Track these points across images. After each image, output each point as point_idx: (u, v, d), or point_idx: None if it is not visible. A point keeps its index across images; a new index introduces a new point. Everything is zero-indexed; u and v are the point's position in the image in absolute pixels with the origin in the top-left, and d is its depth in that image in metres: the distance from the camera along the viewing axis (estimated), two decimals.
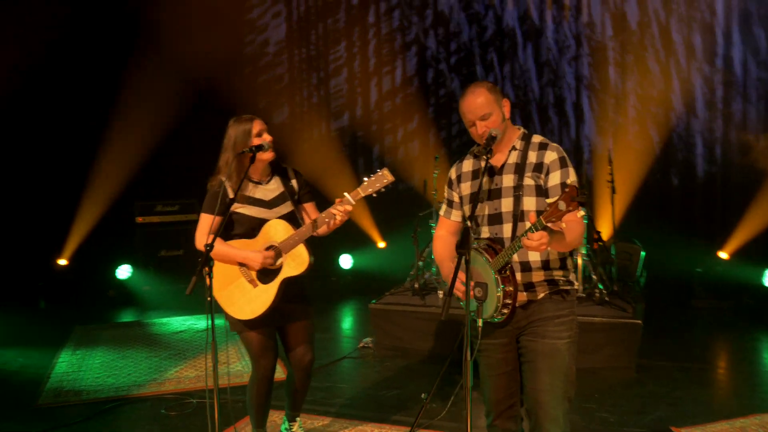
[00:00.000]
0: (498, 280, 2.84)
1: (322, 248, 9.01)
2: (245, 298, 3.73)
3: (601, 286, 6.09)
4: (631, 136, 8.22)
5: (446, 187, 3.28)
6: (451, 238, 3.27)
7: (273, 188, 3.81)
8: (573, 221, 2.92)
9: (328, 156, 9.26)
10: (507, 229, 2.99)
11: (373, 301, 6.47)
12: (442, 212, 3.30)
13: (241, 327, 3.79)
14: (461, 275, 2.98)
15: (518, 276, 2.98)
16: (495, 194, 3.03)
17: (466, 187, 3.15)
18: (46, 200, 8.36)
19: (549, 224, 2.60)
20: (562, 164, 2.99)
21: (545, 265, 3.02)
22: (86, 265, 8.86)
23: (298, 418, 4.20)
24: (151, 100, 7.94)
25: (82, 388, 5.53)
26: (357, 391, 5.30)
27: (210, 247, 3.26)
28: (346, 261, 9.32)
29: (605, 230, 7.59)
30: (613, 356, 5.55)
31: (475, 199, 3.04)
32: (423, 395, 3.38)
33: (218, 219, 3.68)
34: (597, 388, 5.17)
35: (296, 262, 3.66)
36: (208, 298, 3.70)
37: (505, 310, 2.91)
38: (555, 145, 3.06)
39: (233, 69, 8.68)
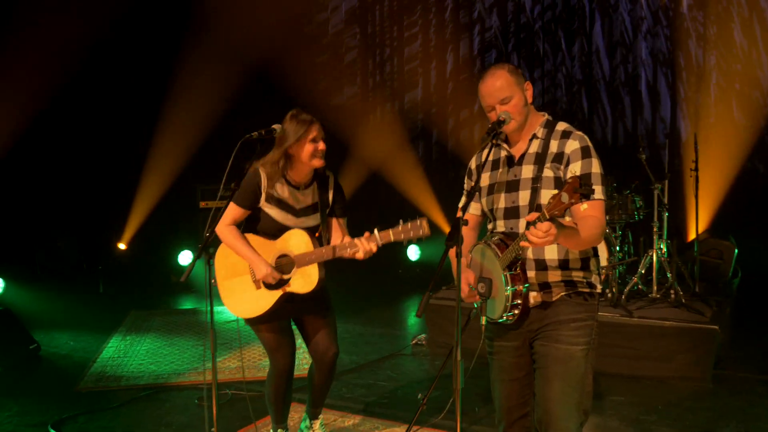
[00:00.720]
0: (507, 278, 2.73)
1: None
2: (244, 296, 3.77)
3: (677, 287, 5.79)
4: (714, 118, 7.71)
5: (466, 178, 3.18)
6: (470, 233, 3.18)
7: (307, 196, 3.79)
8: (589, 217, 2.77)
9: (388, 140, 9.22)
10: (523, 224, 2.83)
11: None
12: (460, 204, 3.21)
13: (254, 320, 3.82)
14: (469, 275, 2.91)
15: (532, 274, 2.86)
16: (513, 186, 2.92)
17: (485, 178, 3.04)
18: (105, 184, 8.76)
19: (553, 216, 2.46)
20: (585, 154, 2.83)
21: (563, 264, 2.87)
22: (146, 250, 9.23)
23: (320, 416, 4.20)
24: (208, 81, 8.14)
25: (123, 374, 5.77)
26: (398, 390, 5.27)
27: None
28: (413, 252, 9.28)
29: (688, 224, 7.18)
30: (686, 365, 5.26)
31: (490, 190, 2.97)
32: (419, 395, 3.30)
33: (243, 211, 3.73)
34: (663, 399, 4.92)
35: (304, 281, 3.67)
36: (213, 281, 3.81)
37: (515, 311, 2.80)
38: (579, 133, 2.89)
39: (292, 49, 8.76)
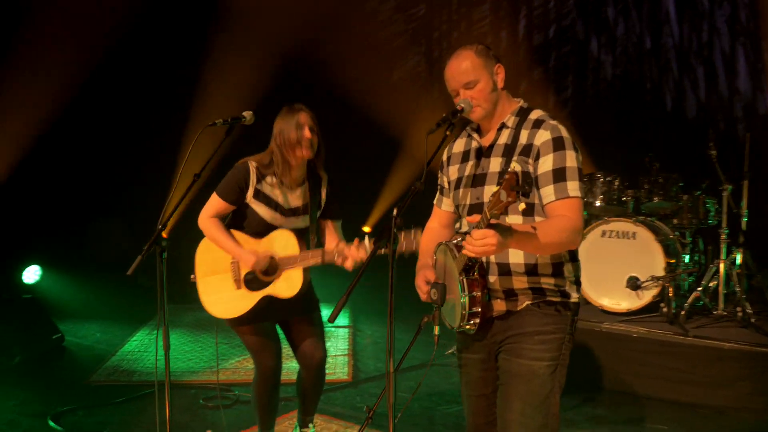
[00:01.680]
0: (463, 284, 2.62)
1: None
2: (223, 296, 3.78)
3: (746, 303, 5.43)
4: None
5: (439, 171, 3.09)
6: (443, 230, 3.07)
7: (298, 195, 3.79)
8: (560, 216, 2.61)
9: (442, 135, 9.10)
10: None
11: None
12: (435, 200, 3.11)
13: (235, 321, 3.84)
14: (428, 274, 2.81)
15: (494, 279, 2.73)
16: (479, 180, 2.80)
17: (453, 171, 2.95)
18: (143, 174, 9.03)
19: (494, 220, 2.33)
20: (557, 146, 2.66)
21: (531, 270, 2.72)
22: (187, 242, 9.46)
23: (311, 424, 4.18)
24: (240, 73, 8.27)
25: (137, 369, 5.94)
26: (415, 402, 5.19)
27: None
28: None
29: None
30: (747, 394, 4.92)
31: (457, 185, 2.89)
32: (365, 408, 3.23)
33: (227, 206, 3.74)
34: (716, 430, 4.65)
35: (288, 284, 3.65)
36: (192, 277, 3.86)
37: (475, 320, 2.67)
38: (553, 123, 2.73)
39: (327, 34, 8.78)
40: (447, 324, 2.83)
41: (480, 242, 2.34)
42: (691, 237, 6.00)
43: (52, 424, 4.72)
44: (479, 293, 2.64)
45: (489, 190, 2.74)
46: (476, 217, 2.40)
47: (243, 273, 3.77)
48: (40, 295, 7.67)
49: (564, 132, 2.70)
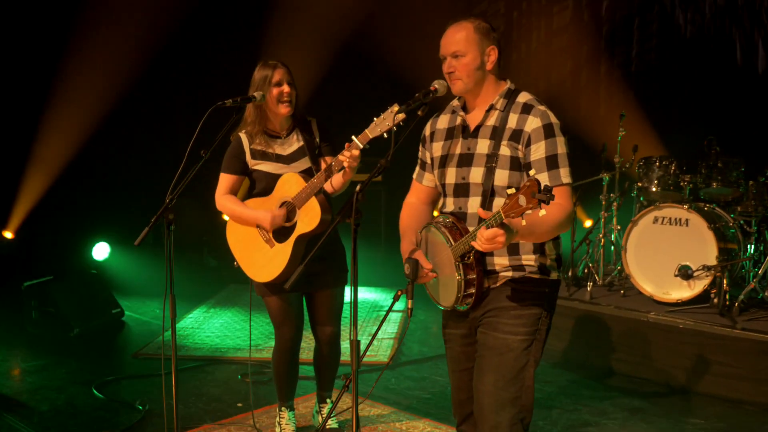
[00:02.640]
0: (460, 268, 2.77)
1: None
2: (264, 260, 4.00)
3: None
4: None
5: (420, 145, 3.22)
6: (423, 207, 3.20)
7: (292, 142, 4.03)
8: (553, 204, 2.72)
9: None
10: (473, 204, 2.88)
11: None
12: (414, 175, 3.24)
13: (264, 291, 4.09)
14: (421, 258, 2.91)
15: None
16: (465, 160, 2.92)
17: (438, 148, 3.06)
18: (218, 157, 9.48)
19: (507, 221, 2.46)
20: (548, 133, 2.79)
21: (512, 249, 2.86)
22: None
23: (329, 399, 4.41)
24: (295, 52, 8.53)
25: (186, 344, 6.33)
26: (449, 387, 5.32)
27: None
28: None
29: None
30: None
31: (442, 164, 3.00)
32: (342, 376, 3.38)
33: (236, 178, 4.03)
34: (759, 428, 4.60)
35: (309, 217, 3.83)
36: (234, 264, 4.12)
37: (469, 300, 2.84)
38: (542, 108, 2.85)
39: (381, 17, 8.90)
40: (436, 301, 2.99)
41: (490, 241, 2.49)
42: (756, 226, 5.86)
43: (95, 392, 5.13)
44: (475, 275, 2.79)
45: (476, 171, 2.87)
46: (488, 213, 2.52)
47: (270, 233, 4.00)
48: (107, 272, 8.25)
49: (553, 118, 2.83)
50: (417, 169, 3.21)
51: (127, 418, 4.71)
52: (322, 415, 4.41)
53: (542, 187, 2.34)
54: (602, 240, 6.23)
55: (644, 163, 6.01)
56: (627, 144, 6.36)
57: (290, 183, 3.91)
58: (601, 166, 6.35)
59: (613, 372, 5.52)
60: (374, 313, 7.48)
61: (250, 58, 8.80)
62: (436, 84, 2.91)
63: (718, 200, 5.89)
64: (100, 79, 7.99)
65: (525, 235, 2.63)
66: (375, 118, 3.44)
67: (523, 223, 2.45)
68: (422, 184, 3.18)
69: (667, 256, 5.64)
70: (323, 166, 4.04)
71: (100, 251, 8.70)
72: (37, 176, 8.09)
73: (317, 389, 4.42)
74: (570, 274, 6.22)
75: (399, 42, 8.63)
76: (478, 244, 2.54)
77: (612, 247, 6.53)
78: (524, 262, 2.87)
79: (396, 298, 2.93)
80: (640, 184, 6.03)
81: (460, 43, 2.85)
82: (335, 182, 3.85)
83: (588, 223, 6.78)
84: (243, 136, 4.01)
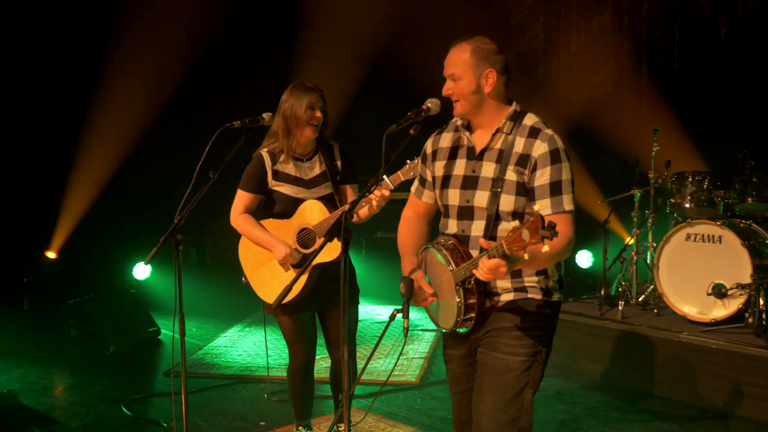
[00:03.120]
0: (460, 291, 2.80)
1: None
2: (275, 282, 4.08)
3: None
4: None
5: (420, 161, 3.25)
6: (420, 222, 3.23)
7: (314, 166, 4.11)
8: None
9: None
10: (477, 227, 2.90)
11: None
12: (413, 189, 3.27)
13: (275, 311, 4.19)
14: (421, 281, 2.94)
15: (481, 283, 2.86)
16: (470, 183, 2.94)
17: (440, 167, 3.06)
18: None
19: (511, 252, 2.50)
20: (554, 159, 2.80)
21: (515, 272, 2.88)
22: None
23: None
24: (328, 68, 8.65)
25: (217, 362, 6.47)
26: None
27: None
28: (585, 259, 9.03)
29: None
30: None
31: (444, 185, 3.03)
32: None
33: (253, 196, 4.13)
34: None
35: (330, 249, 3.89)
36: (243, 279, 4.22)
37: (469, 323, 2.88)
38: (549, 132, 2.85)
39: (413, 36, 8.96)
40: (435, 323, 3.04)
41: (492, 272, 2.53)
42: None
43: (123, 409, 5.29)
44: (475, 300, 2.83)
45: (481, 195, 2.88)
46: (490, 244, 2.56)
47: (280, 262, 4.08)
48: (147, 291, 8.46)
49: (559, 142, 2.84)
50: (416, 184, 3.24)
51: None
52: None
53: (546, 224, 2.36)
54: (635, 258, 6.16)
55: (677, 178, 5.94)
56: (663, 158, 6.30)
57: (313, 211, 3.99)
58: (634, 181, 6.30)
59: (646, 394, 5.46)
60: (410, 333, 7.48)
61: (282, 75, 9.04)
62: (429, 103, 2.96)
63: (754, 216, 5.79)
64: (138, 97, 8.24)
65: (526, 264, 2.64)
66: (408, 161, 3.53)
67: (526, 257, 2.49)
68: (421, 200, 3.20)
69: (700, 274, 5.56)
70: (347, 192, 4.13)
71: (141, 271, 8.94)
72: (78, 196, 8.38)
73: (334, 408, 4.48)
74: (603, 293, 6.17)
75: (431, 60, 8.69)
76: (480, 273, 2.57)
77: (646, 265, 6.46)
78: (526, 284, 2.90)
79: (392, 318, 2.98)
80: (673, 200, 5.96)
81: (457, 66, 2.87)
82: (361, 213, 3.93)
83: (629, 240, 6.70)
84: (265, 154, 4.08)
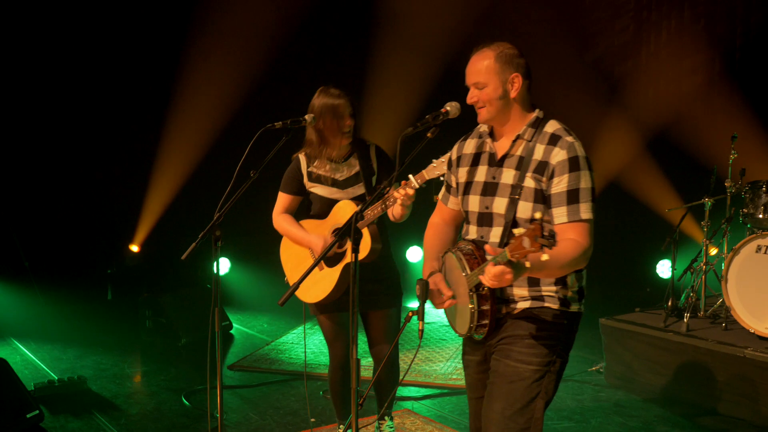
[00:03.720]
0: (474, 297, 2.87)
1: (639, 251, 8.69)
2: (311, 280, 4.25)
3: None
4: None
5: (446, 168, 3.34)
6: (447, 228, 3.28)
7: (349, 167, 4.25)
8: (570, 240, 2.80)
9: (623, 146, 9.01)
10: (496, 234, 2.96)
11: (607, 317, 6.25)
12: (440, 195, 3.36)
13: (315, 310, 4.36)
14: (440, 283, 3.01)
15: (498, 290, 2.92)
16: (490, 189, 2.98)
17: (463, 173, 3.11)
18: None
19: (516, 260, 2.54)
20: (573, 167, 2.83)
21: (533, 281, 2.93)
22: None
23: (387, 418, 4.58)
24: (399, 70, 8.75)
25: (281, 358, 6.71)
26: None
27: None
28: (666, 269, 8.83)
29: None
30: None
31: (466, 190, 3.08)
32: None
33: (292, 198, 4.33)
34: None
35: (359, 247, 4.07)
36: (285, 280, 4.41)
37: (483, 330, 2.94)
38: (569, 139, 2.87)
39: (486, 33, 8.92)
40: (453, 327, 3.11)
41: (497, 278, 2.58)
42: None
43: (183, 399, 5.57)
44: (489, 306, 2.88)
45: (500, 201, 2.94)
46: (497, 250, 2.62)
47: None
48: (225, 286, 8.81)
49: (580, 150, 2.86)
50: (443, 190, 3.31)
51: (203, 426, 5.08)
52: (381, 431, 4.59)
53: (547, 232, 2.42)
54: (704, 268, 6.02)
55: (751, 187, 5.77)
56: (741, 167, 6.13)
57: (345, 210, 4.14)
58: (710, 190, 6.15)
59: (708, 410, 5.33)
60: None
61: (355, 75, 9.22)
62: (448, 106, 3.04)
63: None
64: (219, 92, 8.56)
65: (536, 271, 2.69)
66: (434, 160, 3.63)
67: (527, 264, 2.53)
68: (447, 206, 3.26)
69: None
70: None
71: (221, 266, 9.30)
72: (161, 191, 8.78)
73: (377, 408, 4.61)
74: (669, 304, 6.05)
75: None
76: (486, 280, 2.62)
77: (717, 278, 6.28)
78: (544, 293, 2.93)
79: (407, 320, 3.08)
80: (746, 210, 5.79)
81: (481, 74, 2.91)
82: (395, 213, 4.03)
83: (713, 252, 6.55)
84: (302, 157, 4.28)
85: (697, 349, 5.47)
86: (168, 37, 8.61)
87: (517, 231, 2.51)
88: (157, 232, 8.94)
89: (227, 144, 8.98)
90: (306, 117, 4.02)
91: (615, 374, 6.03)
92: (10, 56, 8.14)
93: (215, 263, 3.83)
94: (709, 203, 6.00)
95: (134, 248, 8.98)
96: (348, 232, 2.88)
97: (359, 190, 4.22)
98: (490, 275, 2.58)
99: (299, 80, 8.96)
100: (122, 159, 8.83)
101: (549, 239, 2.42)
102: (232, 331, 7.72)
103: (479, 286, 2.83)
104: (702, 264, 6.01)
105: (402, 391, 5.78)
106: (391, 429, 4.58)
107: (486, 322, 2.89)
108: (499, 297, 2.95)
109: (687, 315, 5.74)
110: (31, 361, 6.64)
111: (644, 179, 9.03)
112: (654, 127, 8.85)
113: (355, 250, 2.87)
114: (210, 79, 8.54)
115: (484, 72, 2.91)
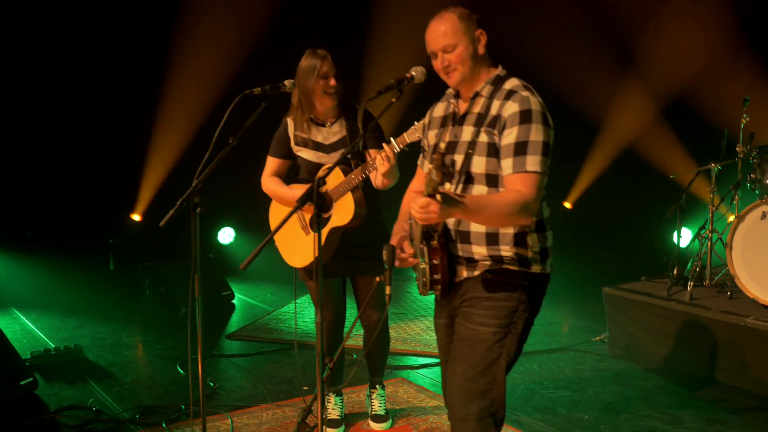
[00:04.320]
0: (424, 252, 2.93)
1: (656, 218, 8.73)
2: (298, 245, 4.34)
3: None
4: None
5: (422, 133, 3.39)
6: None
7: (335, 131, 4.30)
8: (513, 191, 2.82)
9: (640, 113, 8.97)
10: (456, 191, 3.00)
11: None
12: (418, 161, 3.43)
13: (304, 275, 4.44)
14: (405, 244, 3.08)
15: (457, 247, 3.00)
16: (451, 148, 3.04)
17: (432, 136, 3.19)
18: None
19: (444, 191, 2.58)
20: (524, 118, 2.85)
21: (491, 239, 2.97)
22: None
23: (378, 386, 4.66)
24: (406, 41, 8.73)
25: (280, 328, 6.83)
26: (524, 383, 5.41)
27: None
28: (684, 237, 8.78)
29: None
30: None
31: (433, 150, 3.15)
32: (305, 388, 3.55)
33: (280, 161, 4.40)
34: None
35: (343, 212, 4.12)
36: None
37: (437, 286, 2.99)
38: (525, 93, 2.90)
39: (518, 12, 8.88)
40: (389, 286, 3.16)
41: (424, 210, 2.58)
42: None
43: (178, 368, 5.71)
44: (439, 261, 2.94)
45: (458, 158, 2.99)
46: (419, 187, 2.69)
47: (307, 218, 4.32)
48: (230, 255, 8.95)
49: (534, 104, 2.88)
50: (420, 156, 3.38)
51: (195, 394, 5.20)
52: (371, 398, 4.68)
53: (446, 162, 2.46)
54: (710, 236, 6.03)
55: (759, 152, 5.75)
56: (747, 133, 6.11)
57: (330, 175, 4.19)
58: (720, 155, 6.15)
59: (708, 380, 5.38)
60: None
61: (354, 54, 9.24)
62: (413, 71, 3.08)
63: None
64: (213, 59, 8.65)
65: (470, 213, 2.69)
66: (415, 122, 3.67)
67: (457, 199, 2.57)
68: (423, 170, 3.33)
69: None
70: (368, 157, 4.31)
71: (226, 235, 9.44)
72: (162, 158, 8.90)
73: (369, 374, 4.69)
74: (674, 272, 6.08)
75: (518, 40, 8.71)
76: (414, 213, 2.61)
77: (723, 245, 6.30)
78: (503, 253, 2.97)
79: (375, 285, 3.14)
80: (753, 176, 5.77)
81: (449, 35, 2.95)
82: (377, 180, 4.08)
83: (731, 218, 6.52)
84: (290, 121, 4.34)
85: (700, 318, 5.50)
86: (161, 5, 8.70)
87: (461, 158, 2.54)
88: (158, 200, 9.06)
89: (226, 110, 9.10)
90: (286, 82, 4.05)
91: (618, 344, 6.08)
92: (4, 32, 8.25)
93: (193, 230, 3.90)
94: (716, 169, 5.99)
95: (136, 217, 9.11)
96: (309, 198, 2.95)
97: None
98: (416, 208, 2.58)
99: (300, 45, 9.00)
100: (122, 128, 8.94)
101: (449, 168, 2.50)
102: (234, 301, 7.84)
103: (429, 238, 2.89)
104: (708, 231, 6.02)
105: (400, 360, 5.88)
106: (382, 398, 4.66)
107: (438, 277, 2.93)
108: (460, 256, 3.00)
109: (691, 284, 5.77)
110: (30, 330, 6.81)
111: (660, 146, 9.04)
112: (669, 93, 8.83)
113: (318, 215, 2.94)
114: (208, 46, 8.62)
115: (452, 33, 2.95)
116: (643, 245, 9.16)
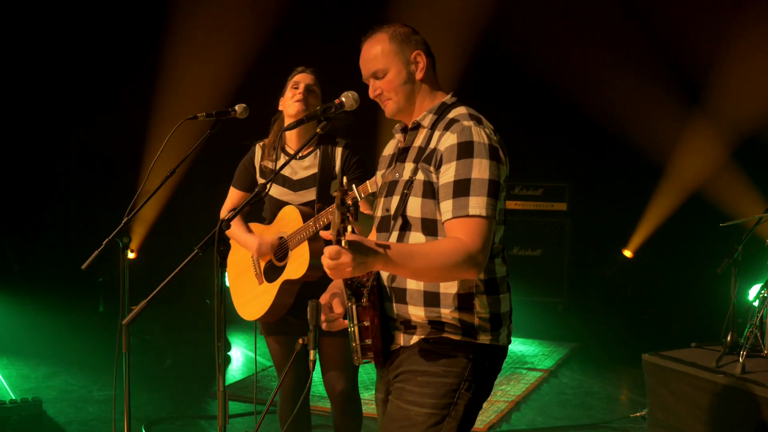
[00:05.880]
0: (352, 312, 2.67)
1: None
2: (249, 295, 4.10)
3: None
4: None
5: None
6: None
7: (306, 165, 4.02)
8: (452, 239, 2.56)
9: (708, 154, 8.69)
10: (392, 239, 2.75)
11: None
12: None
13: (263, 330, 4.20)
14: (334, 301, 2.86)
15: (393, 307, 2.74)
16: (391, 189, 2.83)
17: (380, 177, 3.03)
18: None
19: (357, 239, 2.36)
20: (462, 153, 2.59)
21: (430, 300, 2.68)
22: None
23: None
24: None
25: (272, 387, 6.60)
26: None
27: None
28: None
29: None
30: None
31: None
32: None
33: (242, 194, 4.17)
34: None
35: (297, 263, 3.87)
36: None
37: (369, 353, 2.72)
38: (468, 123, 2.63)
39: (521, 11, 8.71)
40: (313, 350, 2.91)
41: (333, 260, 2.34)
42: None
43: (143, 430, 5.51)
44: (370, 323, 2.67)
45: (395, 201, 2.76)
46: (327, 234, 2.42)
47: (262, 265, 4.08)
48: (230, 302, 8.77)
49: (477, 135, 2.61)
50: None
51: None
52: None
53: (344, 200, 2.25)
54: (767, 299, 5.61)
55: None
56: None
57: (288, 218, 3.94)
58: None
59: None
60: (511, 370, 7.28)
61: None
62: (343, 97, 2.87)
63: None
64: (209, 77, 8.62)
65: (393, 265, 2.45)
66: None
67: (343, 243, 2.31)
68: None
69: None
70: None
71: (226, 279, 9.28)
72: (156, 196, 8.82)
73: None
74: (729, 338, 5.67)
75: (542, 41, 8.52)
76: (325, 267, 2.38)
77: None
78: (444, 318, 2.66)
79: (297, 348, 2.89)
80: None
81: (378, 59, 2.77)
82: (326, 221, 3.83)
83: None
84: (258, 148, 4.12)
85: (751, 396, 5.10)
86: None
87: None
88: (153, 235, 8.96)
89: (223, 144, 9.09)
90: (237, 107, 3.80)
91: (658, 422, 5.70)
92: None
93: (121, 272, 3.75)
94: None
95: (130, 254, 9.01)
96: (217, 241, 2.72)
97: (311, 195, 4.02)
98: (325, 257, 2.34)
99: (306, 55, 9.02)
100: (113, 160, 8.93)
101: (351, 207, 2.29)
102: (228, 353, 7.64)
103: (358, 294, 2.63)
104: (765, 292, 5.61)
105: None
106: None
107: (369, 342, 2.67)
108: (395, 318, 2.73)
109: (743, 354, 5.36)
110: None
111: (732, 189, 8.73)
112: (741, 132, 8.55)
113: (222, 264, 2.70)
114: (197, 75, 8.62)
115: (381, 56, 2.77)
116: (715, 304, 8.71)
